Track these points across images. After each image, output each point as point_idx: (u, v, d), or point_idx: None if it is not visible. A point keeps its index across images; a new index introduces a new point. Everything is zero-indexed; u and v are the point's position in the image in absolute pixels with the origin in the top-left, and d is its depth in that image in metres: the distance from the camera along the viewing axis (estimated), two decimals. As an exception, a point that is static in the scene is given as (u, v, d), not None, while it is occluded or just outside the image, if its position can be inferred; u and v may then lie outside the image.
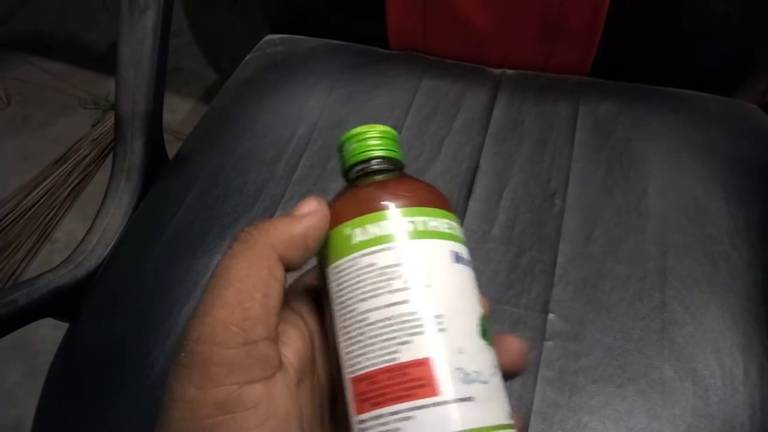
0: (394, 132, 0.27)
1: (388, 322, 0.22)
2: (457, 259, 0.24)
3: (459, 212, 0.47)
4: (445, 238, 0.24)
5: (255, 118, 0.55)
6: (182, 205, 0.49)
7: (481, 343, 0.23)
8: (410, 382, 0.21)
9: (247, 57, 0.63)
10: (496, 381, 0.23)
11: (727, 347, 0.39)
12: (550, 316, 0.42)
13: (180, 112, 1.23)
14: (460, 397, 0.21)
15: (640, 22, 0.53)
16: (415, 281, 0.23)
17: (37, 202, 1.11)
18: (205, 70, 1.30)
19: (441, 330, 0.22)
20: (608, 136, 0.50)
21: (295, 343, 0.23)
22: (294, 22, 0.63)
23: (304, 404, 0.23)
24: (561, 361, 0.40)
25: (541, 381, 0.39)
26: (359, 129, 0.27)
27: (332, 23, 0.62)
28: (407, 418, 0.21)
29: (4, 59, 1.36)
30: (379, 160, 0.26)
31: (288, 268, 0.23)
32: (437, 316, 0.22)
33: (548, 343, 0.41)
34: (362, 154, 0.26)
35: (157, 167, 0.53)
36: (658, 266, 0.43)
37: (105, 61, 1.33)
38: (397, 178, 0.26)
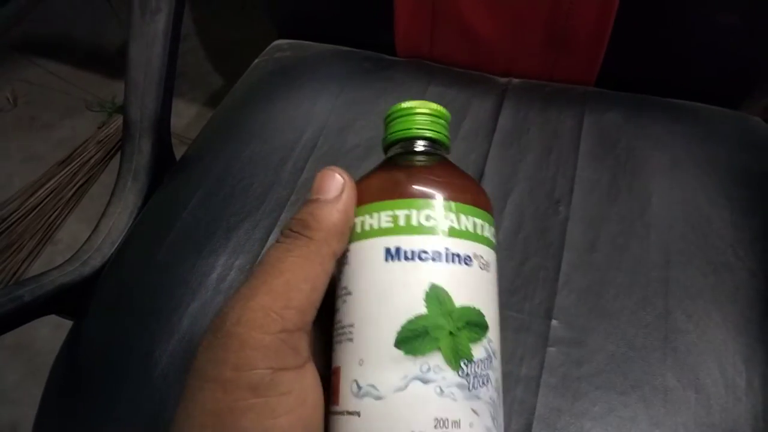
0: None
1: (335, 327, 0.23)
2: (393, 255, 0.22)
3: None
4: (387, 234, 0.22)
5: (262, 122, 0.55)
6: (188, 206, 0.49)
7: (393, 353, 0.21)
8: (333, 387, 0.22)
9: (255, 61, 0.63)
10: (406, 394, 0.20)
11: (730, 356, 0.39)
12: (554, 322, 0.42)
13: (185, 117, 1.24)
14: (348, 409, 0.21)
15: (646, 33, 0.53)
16: (343, 288, 0.23)
17: (40, 203, 1.12)
18: (211, 76, 1.31)
19: (349, 340, 0.22)
20: (613, 145, 0.51)
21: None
22: (302, 27, 0.64)
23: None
24: (564, 367, 0.40)
25: (544, 387, 0.39)
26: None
27: (340, 29, 0.63)
28: (333, 421, 0.22)
29: (12, 61, 1.37)
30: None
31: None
32: (349, 326, 0.22)
33: (551, 350, 0.41)
34: None
35: (164, 168, 0.54)
36: (661, 275, 0.43)
37: (111, 65, 1.34)
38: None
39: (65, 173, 1.16)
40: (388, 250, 0.22)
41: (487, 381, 0.21)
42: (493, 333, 0.23)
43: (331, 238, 0.22)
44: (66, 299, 0.47)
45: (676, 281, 0.43)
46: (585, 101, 0.55)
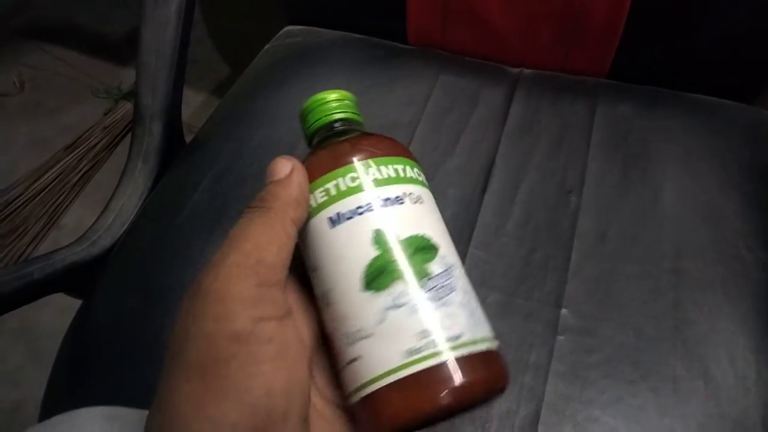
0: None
1: (317, 303, 0.26)
2: (335, 221, 0.25)
3: (474, 207, 0.47)
4: (326, 206, 0.25)
5: (273, 107, 0.55)
6: (198, 188, 0.49)
7: (365, 296, 0.24)
8: (332, 351, 0.25)
9: (266, 47, 0.63)
10: (388, 323, 0.23)
11: (740, 348, 0.39)
12: (563, 311, 0.42)
13: (192, 105, 1.24)
14: (349, 359, 0.24)
15: (660, 25, 0.53)
16: (310, 267, 0.26)
17: (46, 188, 1.12)
18: (219, 64, 1.31)
19: (328, 305, 0.25)
20: (625, 137, 0.51)
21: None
22: (314, 14, 0.64)
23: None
24: (573, 355, 0.40)
25: (553, 374, 0.39)
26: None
27: (352, 17, 0.63)
28: (342, 380, 0.25)
29: (19, 46, 1.37)
30: None
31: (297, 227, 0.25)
32: (323, 294, 0.25)
33: (560, 338, 0.41)
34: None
35: (174, 151, 0.54)
36: (672, 266, 0.43)
37: (118, 51, 1.34)
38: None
39: (71, 158, 1.16)
40: (330, 219, 0.25)
41: (453, 288, 0.24)
42: (445, 249, 0.26)
43: (288, 206, 0.24)
44: (75, 278, 0.47)
45: (687, 272, 0.43)
46: (597, 93, 0.54)
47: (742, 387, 0.38)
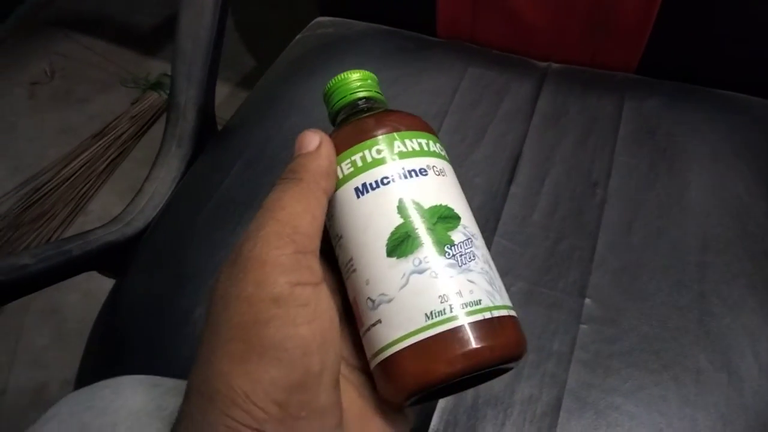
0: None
1: (341, 270, 0.27)
2: (361, 191, 0.26)
3: (500, 197, 0.48)
4: (352, 177, 0.26)
5: (303, 96, 0.56)
6: (230, 174, 0.51)
7: (389, 262, 0.24)
8: (356, 316, 0.26)
9: (297, 37, 0.64)
10: (409, 287, 0.24)
11: (764, 341, 0.40)
12: (587, 300, 0.42)
13: (217, 97, 1.25)
14: (371, 323, 0.25)
15: (690, 21, 0.53)
16: (336, 236, 0.27)
17: (74, 174, 1.14)
18: (244, 56, 1.32)
19: (353, 271, 0.26)
20: (652, 131, 0.51)
21: None
22: (345, 5, 0.65)
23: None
24: (596, 344, 0.40)
25: (576, 362, 0.40)
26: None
27: (382, 8, 0.64)
28: (365, 343, 0.26)
29: (50, 35, 1.40)
30: None
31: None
32: (349, 261, 0.26)
33: (584, 327, 0.41)
34: None
35: (206, 136, 0.55)
36: (697, 260, 0.43)
37: (147, 42, 1.36)
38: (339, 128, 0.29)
39: (98, 147, 1.18)
40: (357, 189, 0.26)
41: (474, 257, 0.25)
42: (467, 220, 0.26)
43: (319, 177, 0.25)
44: (109, 257, 0.49)
45: (713, 266, 0.43)
46: (625, 88, 0.55)
47: (766, 379, 0.38)
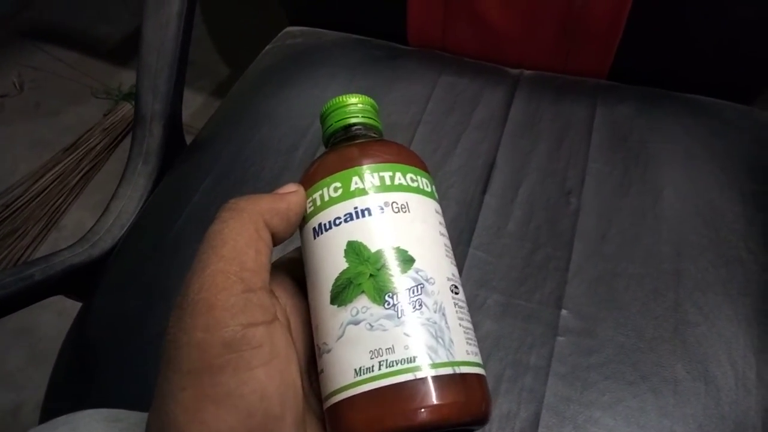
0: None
1: None
2: (317, 232, 0.25)
3: (474, 207, 0.48)
4: (312, 216, 0.25)
5: (273, 108, 0.55)
6: (199, 190, 0.49)
7: (331, 310, 0.23)
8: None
9: (267, 47, 0.63)
10: (344, 339, 0.23)
11: (741, 349, 0.39)
12: (563, 312, 0.42)
13: (191, 106, 1.24)
14: (320, 369, 0.24)
15: (661, 26, 0.53)
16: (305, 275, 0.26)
17: (45, 189, 1.12)
18: (218, 65, 1.31)
19: (313, 313, 0.25)
20: (625, 137, 0.51)
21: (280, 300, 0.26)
22: (314, 15, 0.64)
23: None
24: (573, 356, 0.40)
25: (553, 376, 0.39)
26: None
27: (352, 17, 0.63)
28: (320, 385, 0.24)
29: (19, 47, 1.37)
30: None
31: (273, 237, 0.24)
32: (309, 303, 0.25)
33: (561, 339, 0.41)
34: None
35: (174, 152, 0.54)
36: (672, 267, 0.43)
37: (118, 53, 1.34)
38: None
39: (70, 160, 1.16)
40: (314, 230, 0.25)
41: (421, 305, 0.23)
42: (425, 262, 0.24)
43: (265, 211, 0.24)
44: (75, 280, 0.47)
45: (687, 274, 0.43)
46: (597, 94, 0.55)
47: (743, 388, 0.38)
